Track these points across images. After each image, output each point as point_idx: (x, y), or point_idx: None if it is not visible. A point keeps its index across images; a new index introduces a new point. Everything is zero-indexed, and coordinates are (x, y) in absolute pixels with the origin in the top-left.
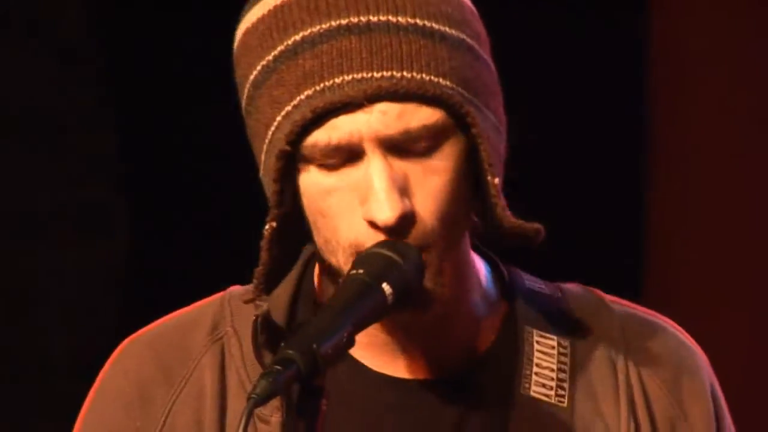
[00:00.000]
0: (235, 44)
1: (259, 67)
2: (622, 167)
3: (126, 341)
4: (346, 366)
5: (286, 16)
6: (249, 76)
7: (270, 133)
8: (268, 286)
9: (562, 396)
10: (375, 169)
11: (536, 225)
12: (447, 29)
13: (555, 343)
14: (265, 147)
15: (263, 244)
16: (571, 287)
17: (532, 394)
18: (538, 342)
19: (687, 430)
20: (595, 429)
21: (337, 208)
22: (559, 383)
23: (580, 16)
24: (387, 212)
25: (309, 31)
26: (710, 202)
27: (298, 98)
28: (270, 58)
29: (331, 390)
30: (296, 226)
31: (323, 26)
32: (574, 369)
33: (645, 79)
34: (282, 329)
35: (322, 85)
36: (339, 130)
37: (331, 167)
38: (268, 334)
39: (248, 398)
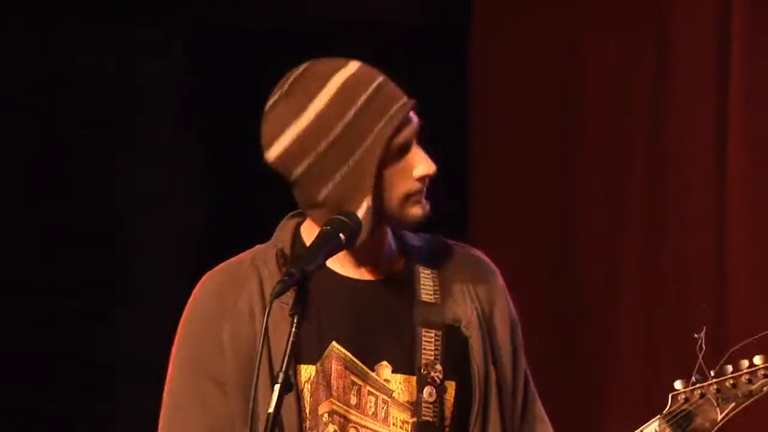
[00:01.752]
0: (312, 117)
1: (342, 124)
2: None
3: (204, 277)
4: (326, 273)
5: (346, 97)
6: (332, 128)
7: (374, 134)
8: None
9: (438, 298)
10: (420, 153)
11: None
12: None
13: (429, 272)
14: (363, 147)
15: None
16: (431, 237)
17: (423, 298)
18: (422, 272)
19: (497, 313)
20: (456, 313)
21: (406, 181)
22: (434, 292)
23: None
24: (432, 168)
25: (362, 97)
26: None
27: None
28: (361, 101)
29: (320, 285)
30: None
31: (366, 95)
32: (441, 284)
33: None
34: (287, 258)
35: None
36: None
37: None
38: (282, 261)
39: (271, 294)
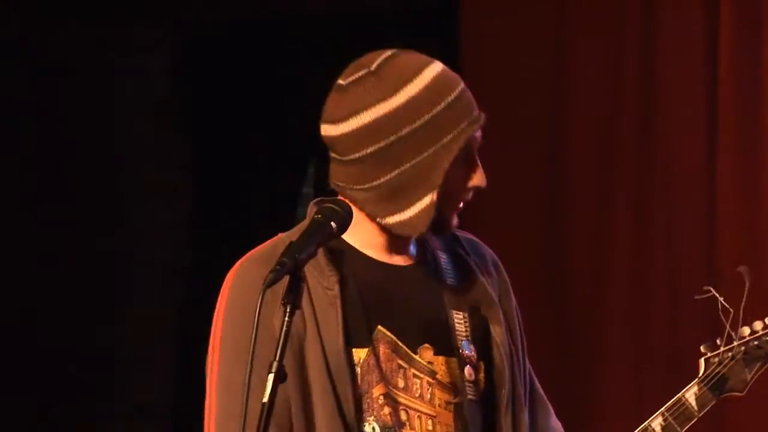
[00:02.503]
0: (402, 101)
1: (429, 115)
2: None
3: (237, 266)
4: (360, 257)
5: (437, 90)
6: (420, 117)
7: (445, 141)
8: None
9: (458, 282)
10: (477, 164)
11: None
12: None
13: (446, 257)
14: (431, 150)
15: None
16: None
17: (448, 282)
18: (441, 257)
19: (505, 296)
20: (476, 295)
21: (460, 188)
22: (455, 276)
23: None
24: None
25: (451, 95)
26: None
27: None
28: (450, 98)
29: (358, 270)
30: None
31: (454, 94)
32: (458, 268)
33: None
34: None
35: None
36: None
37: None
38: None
39: (263, 283)
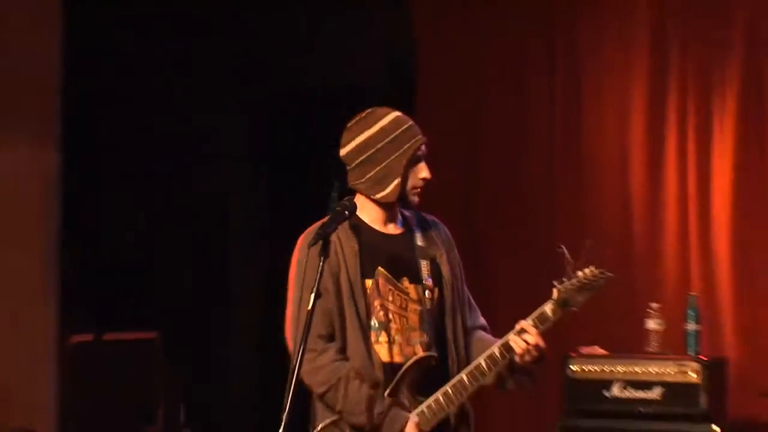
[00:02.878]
0: (377, 130)
1: (393, 135)
2: None
3: (302, 234)
4: (369, 229)
5: (397, 123)
6: (387, 137)
7: (403, 149)
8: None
9: (425, 244)
10: (424, 165)
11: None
12: None
13: (419, 230)
14: (395, 155)
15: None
16: (412, 212)
17: (418, 243)
18: (415, 229)
19: (451, 253)
20: (434, 252)
21: (414, 180)
22: (423, 241)
23: None
24: (429, 175)
25: (406, 125)
26: None
27: (413, 140)
28: (402, 128)
29: (366, 235)
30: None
31: (407, 125)
32: (425, 236)
33: None
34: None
35: (417, 138)
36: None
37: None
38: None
39: (308, 244)
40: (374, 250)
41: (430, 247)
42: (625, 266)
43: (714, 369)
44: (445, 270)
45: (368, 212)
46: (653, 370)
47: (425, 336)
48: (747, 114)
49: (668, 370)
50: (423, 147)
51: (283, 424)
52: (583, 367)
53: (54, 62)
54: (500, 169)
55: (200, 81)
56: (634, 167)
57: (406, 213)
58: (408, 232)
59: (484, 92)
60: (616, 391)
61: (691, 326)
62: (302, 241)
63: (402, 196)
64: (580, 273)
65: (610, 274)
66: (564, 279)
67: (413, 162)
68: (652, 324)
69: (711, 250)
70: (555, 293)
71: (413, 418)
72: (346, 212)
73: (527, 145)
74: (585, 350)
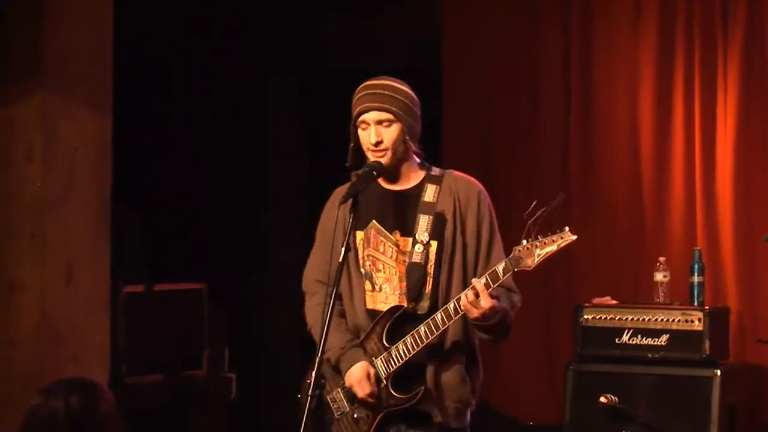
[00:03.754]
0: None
1: (353, 100)
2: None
3: (335, 191)
4: (378, 186)
5: (362, 88)
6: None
7: (353, 116)
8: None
9: (435, 199)
10: (372, 130)
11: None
12: (403, 102)
13: (434, 186)
14: (352, 118)
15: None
16: (446, 170)
17: (425, 199)
18: (428, 186)
19: (470, 209)
20: (442, 206)
21: (365, 143)
22: (434, 196)
23: None
24: (375, 139)
25: (363, 93)
26: None
27: (359, 107)
28: (354, 99)
29: (370, 191)
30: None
31: (367, 91)
32: (440, 192)
33: None
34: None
35: (361, 105)
36: (367, 118)
37: (363, 129)
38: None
39: (339, 202)
40: (371, 205)
41: (440, 203)
42: (636, 223)
43: (716, 317)
44: (449, 227)
45: (385, 171)
46: (660, 318)
47: (411, 287)
48: (751, 71)
49: (674, 319)
50: (371, 112)
51: (316, 366)
52: (596, 316)
53: (106, 34)
54: (514, 124)
55: (246, 46)
56: (644, 125)
57: (435, 171)
58: (417, 188)
59: (497, 48)
60: (626, 338)
61: (696, 278)
62: (334, 197)
63: (360, 159)
64: (540, 236)
65: (572, 237)
66: (524, 242)
67: (361, 128)
68: (659, 276)
69: (715, 208)
70: (512, 252)
71: (365, 361)
72: (374, 172)
73: (541, 99)
74: (597, 301)
